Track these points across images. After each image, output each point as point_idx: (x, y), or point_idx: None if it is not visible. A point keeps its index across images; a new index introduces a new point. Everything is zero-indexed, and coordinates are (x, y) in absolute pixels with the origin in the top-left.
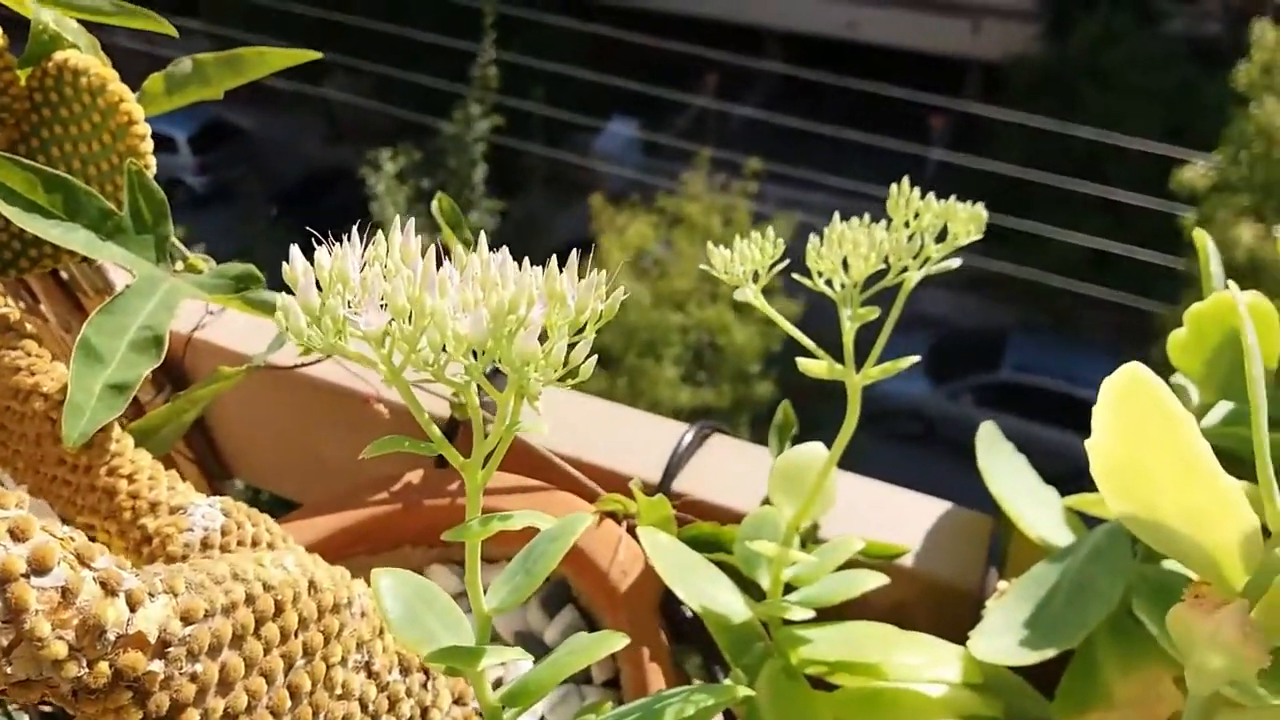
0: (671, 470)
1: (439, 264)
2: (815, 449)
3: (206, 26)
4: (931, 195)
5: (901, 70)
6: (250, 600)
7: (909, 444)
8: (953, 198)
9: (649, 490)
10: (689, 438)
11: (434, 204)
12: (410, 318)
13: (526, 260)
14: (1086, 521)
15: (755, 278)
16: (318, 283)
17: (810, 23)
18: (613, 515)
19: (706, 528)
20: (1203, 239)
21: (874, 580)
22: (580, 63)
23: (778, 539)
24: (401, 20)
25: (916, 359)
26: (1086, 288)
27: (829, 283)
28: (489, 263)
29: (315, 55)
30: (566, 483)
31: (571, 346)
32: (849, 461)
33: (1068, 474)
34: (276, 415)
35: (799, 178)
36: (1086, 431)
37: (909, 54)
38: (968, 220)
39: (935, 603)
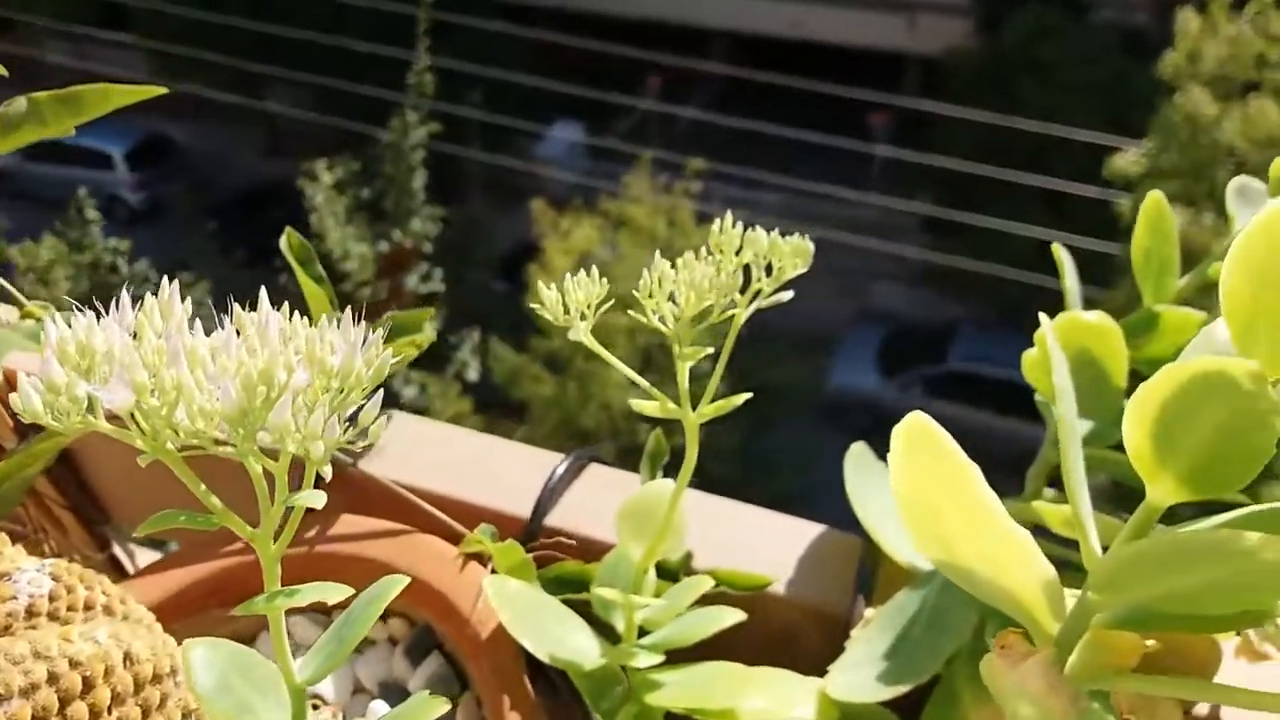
0: (542, 505)
1: (227, 323)
2: (663, 486)
3: (140, 40)
4: (759, 229)
5: (843, 68)
6: (54, 679)
7: (862, 437)
8: (776, 232)
9: (520, 527)
10: (561, 469)
11: (283, 241)
12: (155, 391)
13: (301, 322)
14: None
15: (584, 317)
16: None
17: (754, 22)
18: (479, 557)
19: (571, 567)
20: (1059, 253)
21: (730, 617)
22: (522, 67)
23: (629, 581)
24: (338, 31)
25: (748, 396)
26: (1032, 277)
27: (662, 320)
28: (260, 323)
29: (160, 90)
30: (431, 525)
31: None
32: (804, 456)
33: (1016, 458)
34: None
35: (745, 177)
36: (1033, 418)
37: (850, 51)
38: (793, 254)
39: (821, 629)
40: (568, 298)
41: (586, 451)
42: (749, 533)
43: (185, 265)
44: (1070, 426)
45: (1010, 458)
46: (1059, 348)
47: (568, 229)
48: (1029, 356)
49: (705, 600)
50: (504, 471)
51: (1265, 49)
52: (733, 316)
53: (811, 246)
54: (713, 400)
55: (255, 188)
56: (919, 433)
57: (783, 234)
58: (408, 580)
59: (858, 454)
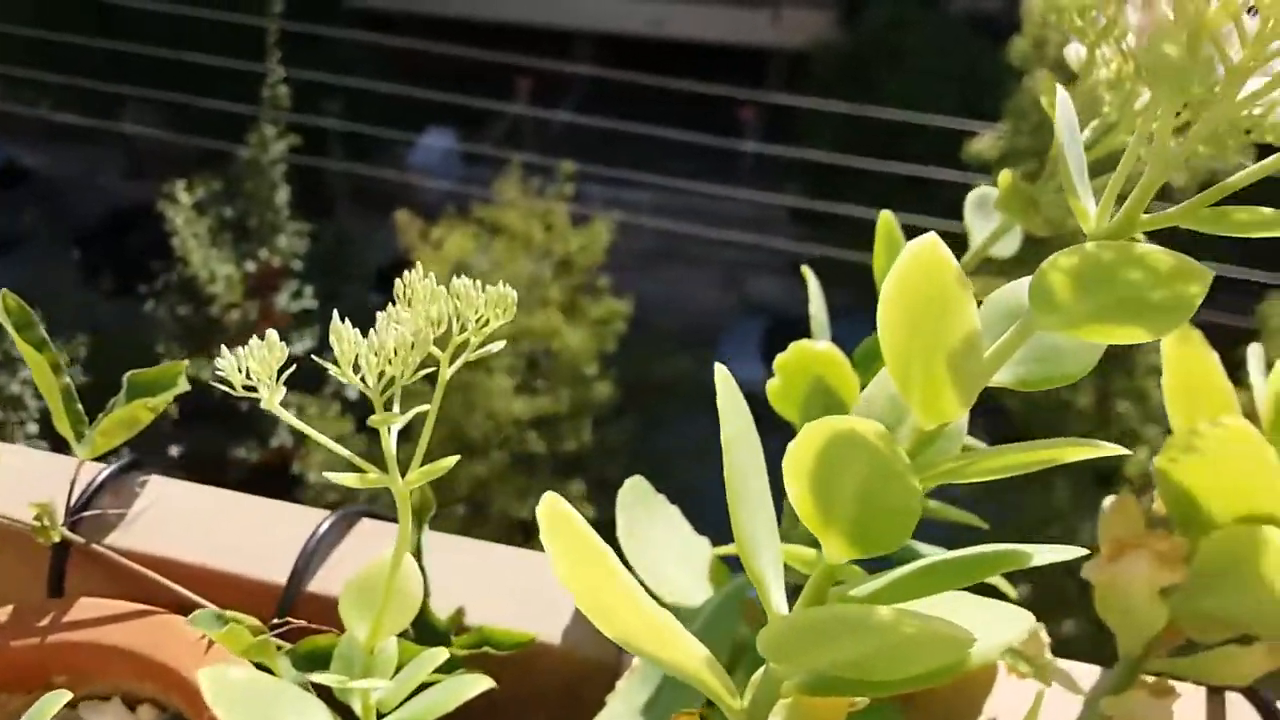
0: (299, 572)
1: None
2: (382, 560)
3: None
4: (456, 280)
5: (711, 64)
6: None
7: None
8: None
9: (274, 596)
10: (324, 529)
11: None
12: None
13: None
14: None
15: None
16: None
17: (617, 22)
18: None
19: (324, 641)
20: (808, 275)
21: (476, 687)
22: (391, 76)
23: (360, 661)
24: (191, 46)
25: (455, 459)
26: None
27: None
28: None
29: None
30: (180, 603)
31: None
32: (698, 450)
33: None
34: None
35: (619, 178)
36: None
37: (715, 48)
38: (496, 303)
39: (605, 682)
40: (244, 363)
41: (355, 508)
42: (529, 581)
43: (50, 296)
44: (740, 469)
45: None
46: (800, 380)
47: (440, 238)
48: (772, 386)
49: (472, 661)
50: (266, 536)
51: None
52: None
53: (513, 294)
54: (424, 461)
55: (118, 212)
56: (556, 517)
57: (658, 230)
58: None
59: (631, 492)
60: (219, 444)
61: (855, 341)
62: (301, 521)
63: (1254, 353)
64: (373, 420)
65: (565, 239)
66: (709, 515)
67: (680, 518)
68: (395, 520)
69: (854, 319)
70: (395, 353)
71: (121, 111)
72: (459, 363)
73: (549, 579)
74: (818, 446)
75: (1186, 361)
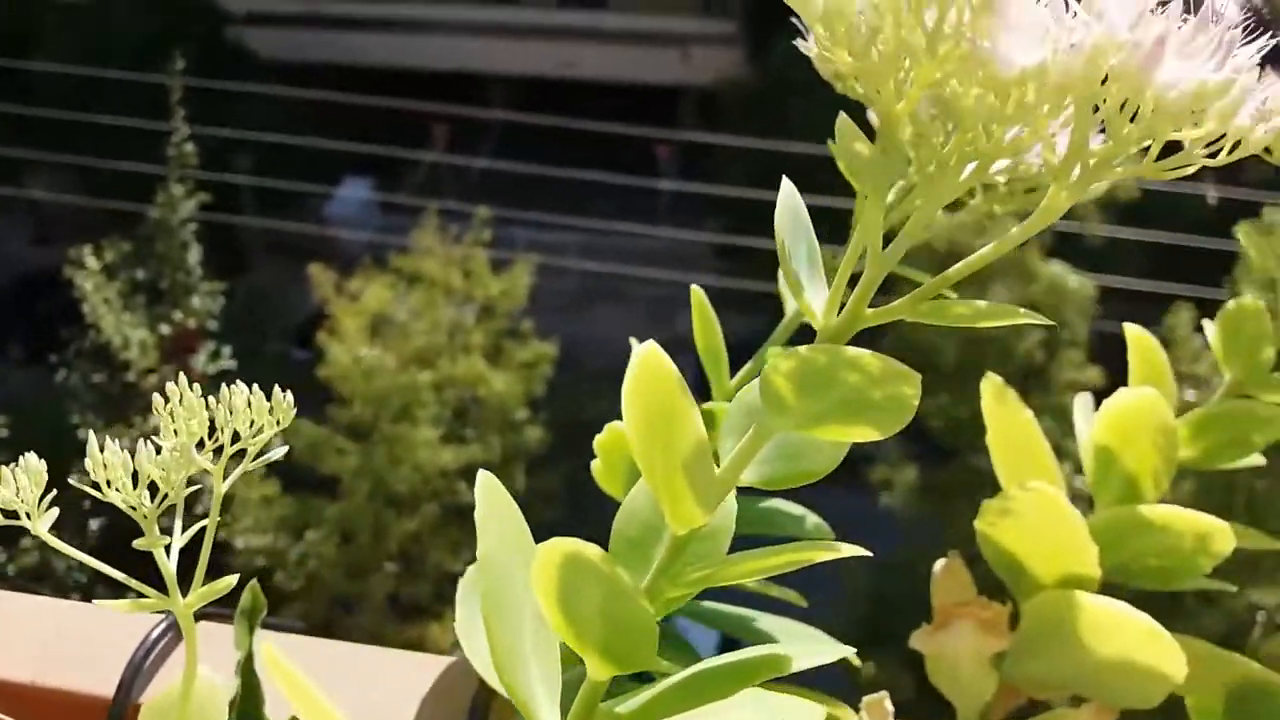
0: (127, 683)
1: None
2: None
3: None
4: (229, 390)
5: (622, 104)
6: None
7: None
8: (249, 392)
9: (103, 710)
10: (157, 634)
11: None
12: None
13: None
14: None
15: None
16: None
17: (529, 65)
18: None
19: None
20: (698, 295)
21: None
22: (302, 127)
23: None
24: (93, 108)
25: (234, 580)
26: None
27: (127, 503)
28: None
29: None
30: None
31: None
32: None
33: (849, 463)
34: None
35: (541, 220)
36: None
37: (626, 87)
38: (278, 408)
39: None
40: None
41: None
42: (363, 678)
43: None
44: (499, 583)
45: (842, 467)
46: (619, 462)
47: (357, 290)
48: (597, 467)
49: None
50: (96, 644)
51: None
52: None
53: (289, 399)
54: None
55: (25, 279)
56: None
57: (583, 271)
58: None
59: (470, 582)
60: None
61: None
62: (125, 627)
63: (1079, 403)
64: (140, 543)
65: (485, 284)
66: None
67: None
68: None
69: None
70: (162, 472)
71: (25, 177)
72: (236, 475)
73: (403, 679)
74: (554, 568)
75: (1005, 421)
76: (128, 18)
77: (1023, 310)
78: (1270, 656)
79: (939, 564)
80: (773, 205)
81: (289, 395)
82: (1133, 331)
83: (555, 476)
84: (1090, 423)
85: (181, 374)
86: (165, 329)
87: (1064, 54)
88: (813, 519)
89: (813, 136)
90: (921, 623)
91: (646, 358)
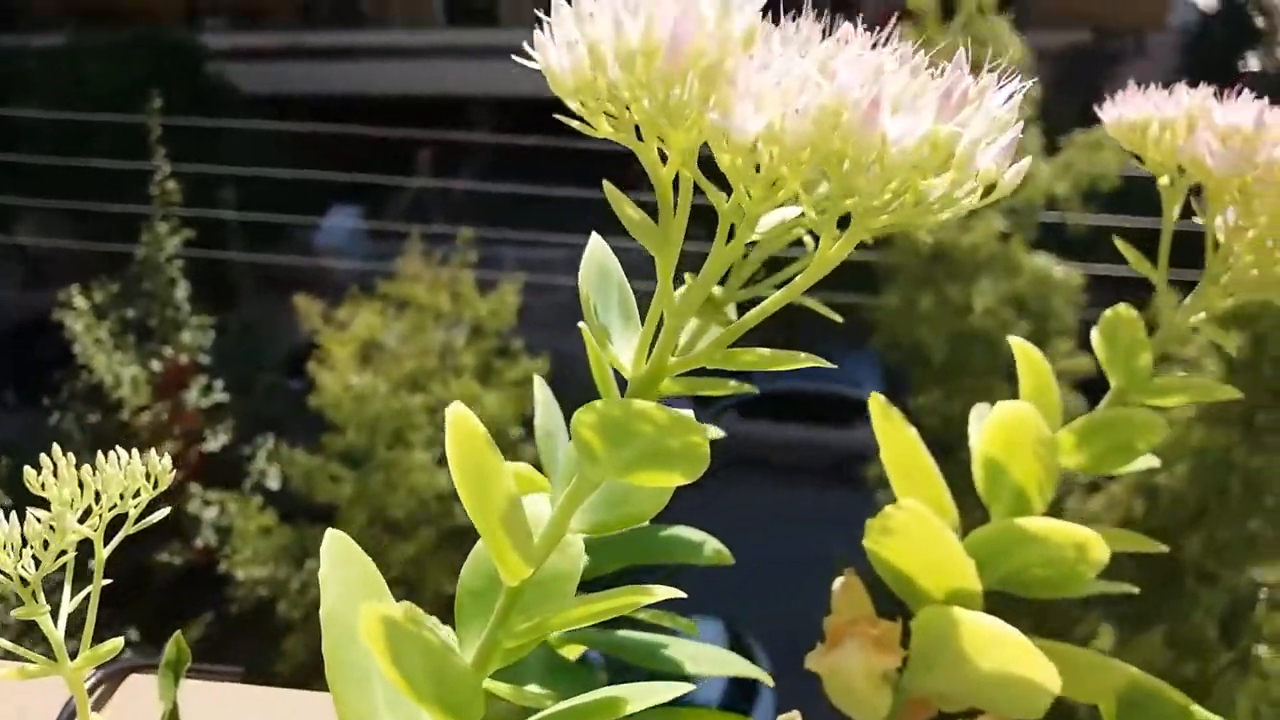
0: None
1: None
2: None
3: None
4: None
5: None
6: None
7: None
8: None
9: None
10: (89, 686)
11: None
12: None
13: None
14: None
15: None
16: None
17: (510, 86)
18: None
19: None
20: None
21: None
22: (287, 159)
23: None
24: (76, 151)
25: (119, 642)
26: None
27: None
28: None
29: None
30: None
31: None
32: None
33: (830, 465)
34: None
35: (529, 239)
36: (836, 423)
37: None
38: (154, 472)
39: None
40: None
41: (122, 663)
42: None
43: None
44: (341, 644)
45: (825, 465)
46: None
47: (346, 318)
48: None
49: None
50: (24, 711)
51: (978, 54)
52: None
53: (166, 462)
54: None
55: (17, 324)
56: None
57: (572, 288)
58: None
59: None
60: (140, 549)
61: (780, 373)
62: (60, 689)
63: (974, 415)
64: (19, 613)
65: (474, 305)
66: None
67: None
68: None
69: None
70: (42, 542)
71: (13, 223)
72: (119, 538)
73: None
74: (379, 631)
75: (892, 438)
76: (107, 60)
77: (803, 355)
78: (1275, 634)
79: (837, 582)
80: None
81: (166, 459)
82: (1019, 345)
83: None
84: (978, 436)
85: (179, 407)
86: (156, 365)
87: (793, 118)
88: (712, 545)
89: None
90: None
91: (457, 420)
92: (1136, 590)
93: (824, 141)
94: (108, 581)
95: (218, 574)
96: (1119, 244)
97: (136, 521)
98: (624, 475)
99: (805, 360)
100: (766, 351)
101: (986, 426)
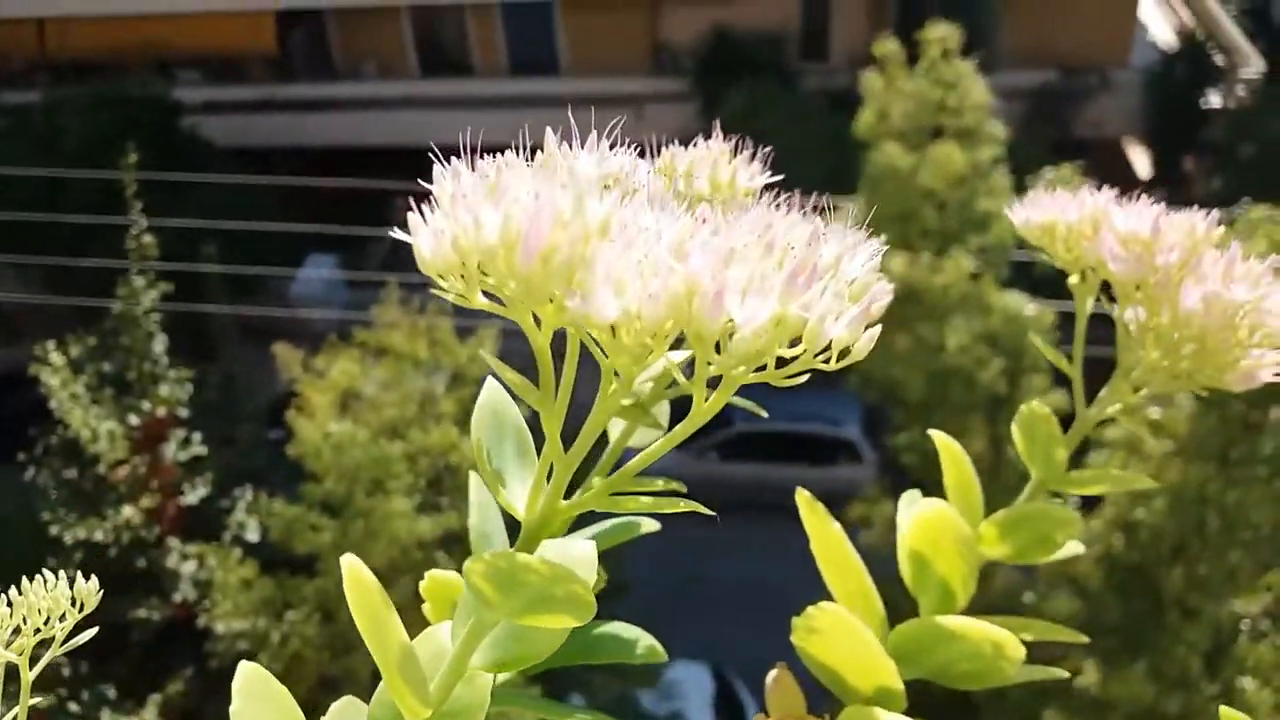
0: None
1: None
2: None
3: None
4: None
5: None
6: None
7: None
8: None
9: None
10: None
11: None
12: None
13: None
14: None
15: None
16: None
17: (484, 135)
18: None
19: None
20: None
21: None
22: (263, 211)
23: None
24: (52, 207)
25: None
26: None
27: None
28: None
29: None
30: None
31: None
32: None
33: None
34: None
35: None
36: (815, 462)
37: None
38: (86, 597)
39: None
40: None
41: None
42: None
43: None
44: None
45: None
46: None
47: (325, 367)
48: (425, 610)
49: None
50: None
51: (943, 97)
52: None
53: (94, 584)
54: None
55: None
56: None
57: None
58: None
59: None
60: (119, 606)
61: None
62: None
63: (903, 504)
64: None
65: (453, 351)
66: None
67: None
68: None
69: (747, 389)
70: None
71: None
72: (46, 659)
73: None
74: None
75: (819, 531)
76: (81, 116)
77: (683, 501)
78: (1257, 665)
79: (770, 676)
80: None
81: (94, 580)
82: (940, 439)
83: None
84: (903, 531)
85: (157, 461)
86: (134, 419)
87: (648, 301)
88: (645, 641)
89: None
90: None
91: (350, 572)
92: (1067, 675)
93: (679, 323)
94: (37, 701)
95: (197, 629)
96: (1035, 340)
97: (64, 644)
98: (517, 619)
99: (686, 506)
100: (648, 499)
101: (910, 524)
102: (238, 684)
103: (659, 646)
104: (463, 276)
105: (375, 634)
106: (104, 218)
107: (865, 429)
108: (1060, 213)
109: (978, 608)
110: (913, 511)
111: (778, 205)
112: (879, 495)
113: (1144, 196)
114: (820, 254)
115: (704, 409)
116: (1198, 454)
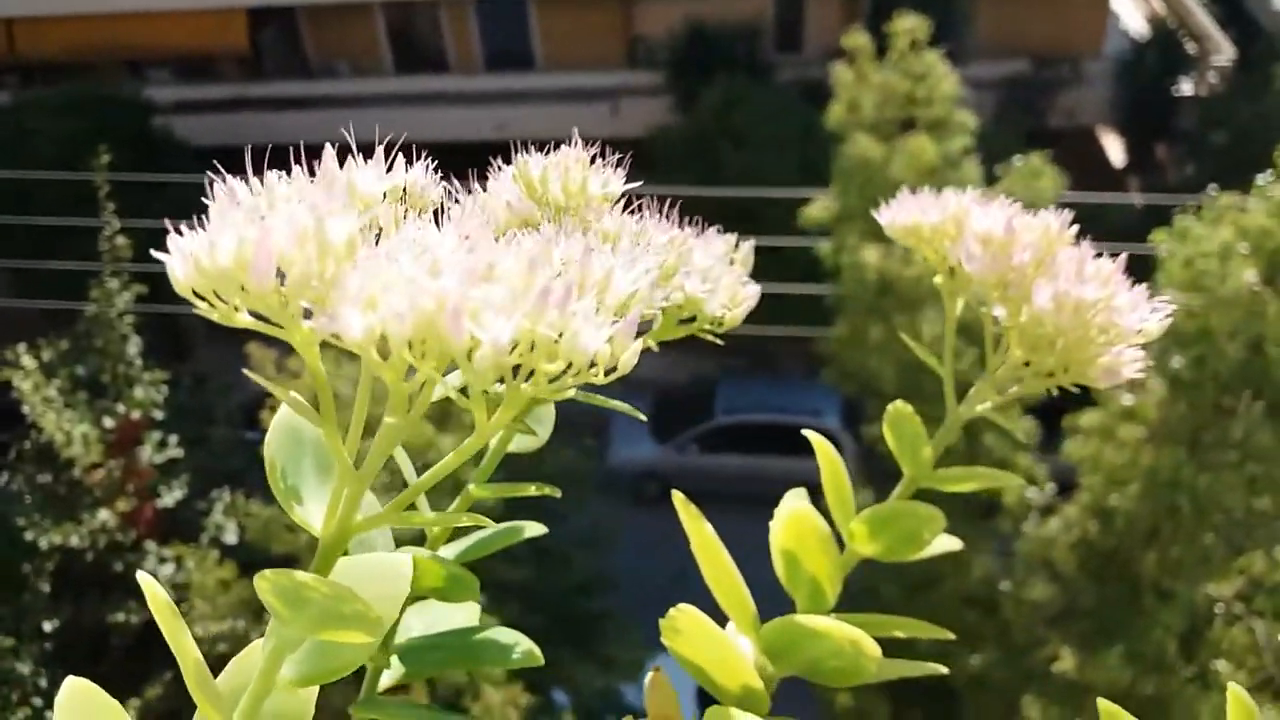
0: None
1: None
2: None
3: None
4: None
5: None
6: None
7: (654, 504)
8: None
9: None
10: None
11: None
12: None
13: None
14: None
15: None
16: None
17: (463, 131)
18: None
19: None
20: None
21: None
22: None
23: None
24: (24, 209)
25: None
26: (770, 329)
27: None
28: None
29: None
30: None
31: None
32: (602, 538)
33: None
34: None
35: None
36: (800, 454)
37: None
38: None
39: None
40: None
41: None
42: None
43: None
44: None
45: (783, 495)
46: None
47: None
48: None
49: None
50: None
51: (912, 88)
52: None
53: None
54: None
55: None
56: None
57: None
58: None
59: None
60: (97, 611)
61: (741, 404)
62: None
63: (786, 500)
64: None
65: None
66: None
67: None
68: None
69: (737, 384)
70: None
71: None
72: None
73: None
74: None
75: (695, 530)
76: (52, 117)
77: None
78: (1232, 648)
79: (648, 678)
80: None
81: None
82: (814, 439)
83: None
84: (773, 531)
85: (132, 464)
86: (109, 423)
87: (394, 320)
88: (524, 646)
89: (744, 180)
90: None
91: (148, 589)
92: (945, 670)
93: (430, 339)
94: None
95: None
96: (908, 340)
97: None
98: (312, 634)
99: (470, 520)
100: (433, 515)
101: (778, 525)
102: (61, 700)
103: (536, 650)
104: (218, 296)
105: (177, 649)
106: (76, 219)
107: (845, 420)
108: (922, 214)
109: (958, 596)
110: (778, 514)
111: (633, 211)
112: (858, 485)
113: (1119, 183)
114: (592, 269)
115: (489, 427)
116: (1169, 439)
